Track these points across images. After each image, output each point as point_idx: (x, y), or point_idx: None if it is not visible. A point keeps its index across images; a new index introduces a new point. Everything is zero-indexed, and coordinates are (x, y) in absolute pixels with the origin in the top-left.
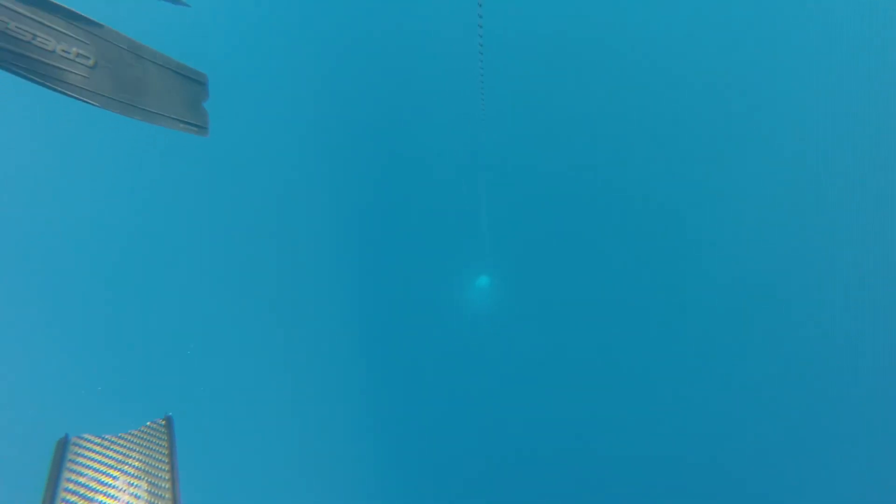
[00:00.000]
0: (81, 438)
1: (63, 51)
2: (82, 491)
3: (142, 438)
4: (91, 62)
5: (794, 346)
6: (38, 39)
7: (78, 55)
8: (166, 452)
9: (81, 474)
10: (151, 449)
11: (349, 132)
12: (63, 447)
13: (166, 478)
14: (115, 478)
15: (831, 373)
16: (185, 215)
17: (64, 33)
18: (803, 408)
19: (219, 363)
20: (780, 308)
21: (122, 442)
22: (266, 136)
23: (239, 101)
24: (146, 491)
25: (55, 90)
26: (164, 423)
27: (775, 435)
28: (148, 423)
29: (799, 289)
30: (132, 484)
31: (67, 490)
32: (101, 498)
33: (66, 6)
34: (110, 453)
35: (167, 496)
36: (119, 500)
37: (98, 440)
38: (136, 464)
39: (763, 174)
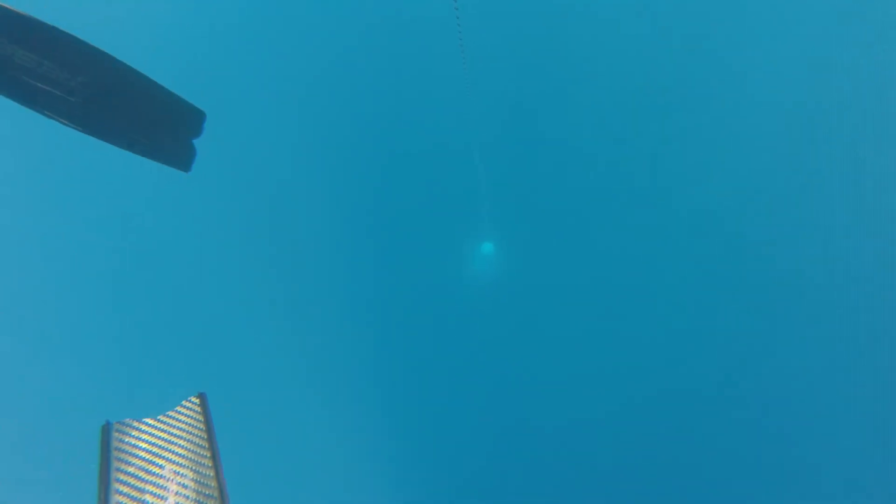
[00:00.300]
0: (122, 424)
1: (65, 80)
2: (132, 481)
3: (180, 420)
4: (87, 92)
5: (792, 340)
6: (43, 68)
7: (79, 84)
8: (205, 437)
9: (129, 463)
10: (191, 432)
11: (344, 106)
12: (107, 434)
13: (209, 465)
14: (161, 466)
15: (831, 372)
16: (189, 212)
17: (68, 63)
18: (803, 406)
19: (218, 339)
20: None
21: (161, 426)
22: (259, 110)
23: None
24: (192, 480)
25: (51, 118)
26: (198, 401)
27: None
28: (183, 403)
29: (799, 283)
30: (178, 473)
31: (118, 481)
32: (150, 488)
33: (72, 36)
34: (153, 439)
35: (213, 484)
36: (167, 489)
37: (138, 424)
38: (180, 450)
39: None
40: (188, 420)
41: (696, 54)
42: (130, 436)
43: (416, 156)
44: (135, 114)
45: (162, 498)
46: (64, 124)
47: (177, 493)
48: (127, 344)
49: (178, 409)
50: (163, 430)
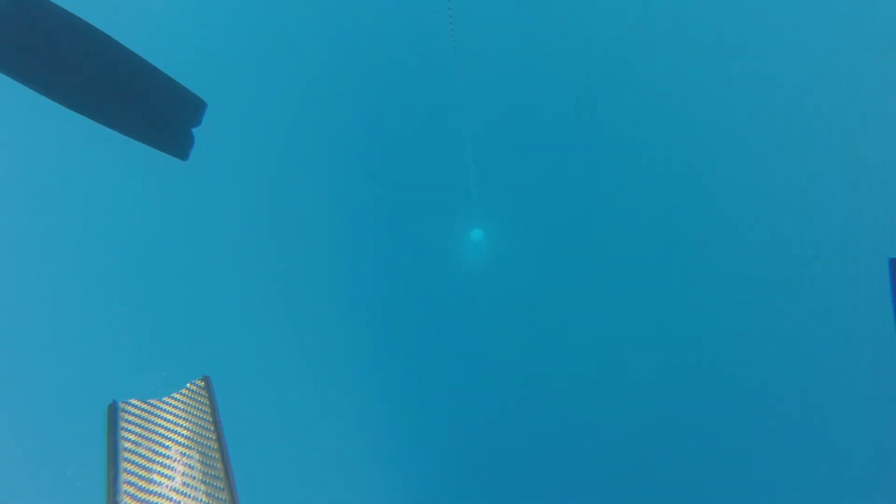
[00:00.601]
0: (128, 404)
1: (71, 62)
2: (140, 461)
3: (184, 402)
4: (91, 75)
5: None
6: (51, 49)
7: (84, 66)
8: (210, 419)
9: (137, 444)
10: (196, 414)
11: (335, 95)
12: (114, 414)
13: (214, 446)
14: (167, 447)
15: (833, 372)
16: (188, 212)
17: (75, 45)
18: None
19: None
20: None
21: (167, 407)
22: (250, 99)
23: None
24: (198, 461)
25: (55, 100)
26: (202, 384)
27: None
28: (188, 385)
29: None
30: (184, 454)
31: (126, 460)
32: (157, 468)
33: (79, 18)
34: (159, 420)
35: (218, 465)
36: (175, 469)
37: (144, 405)
38: (185, 431)
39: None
40: (193, 402)
41: (692, 47)
42: (137, 416)
43: (407, 144)
44: (136, 99)
45: (170, 478)
46: (66, 107)
47: (184, 474)
48: (133, 329)
49: (183, 391)
50: (168, 412)
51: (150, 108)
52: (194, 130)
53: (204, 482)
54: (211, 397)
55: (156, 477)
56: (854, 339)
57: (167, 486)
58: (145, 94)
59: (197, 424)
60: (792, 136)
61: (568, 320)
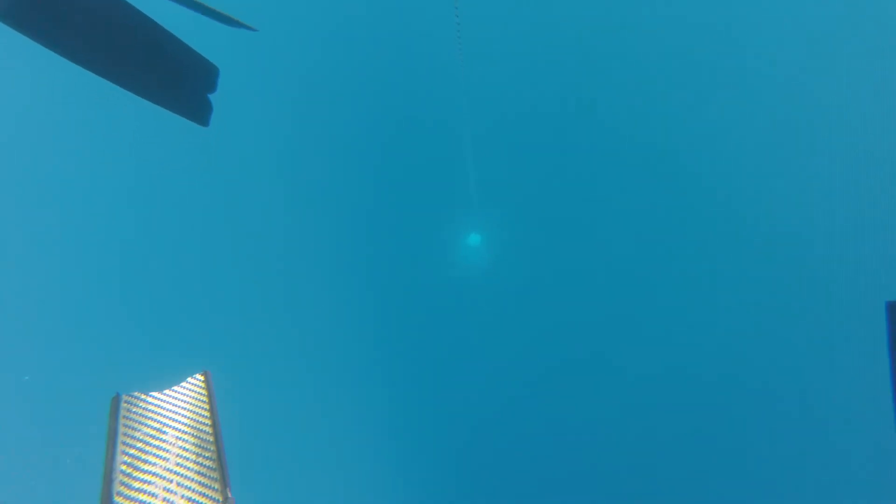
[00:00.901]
0: (132, 396)
1: (90, 24)
2: (138, 444)
3: (185, 394)
4: (110, 37)
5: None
6: (72, 12)
7: (103, 29)
8: (207, 409)
9: (135, 429)
10: (195, 405)
11: (331, 96)
12: (117, 405)
13: (209, 432)
14: (164, 432)
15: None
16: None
17: (93, 7)
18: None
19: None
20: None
21: (166, 398)
22: (245, 100)
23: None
24: (193, 444)
25: (74, 62)
26: (202, 378)
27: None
28: (188, 380)
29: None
30: (181, 438)
31: (125, 444)
32: (153, 451)
33: None
34: (158, 409)
35: (212, 448)
36: (170, 451)
37: (146, 397)
38: (183, 419)
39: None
40: (192, 394)
41: (694, 48)
42: (138, 406)
43: (405, 144)
44: (153, 62)
45: (164, 458)
46: (84, 68)
47: (178, 455)
48: (136, 325)
49: (184, 384)
50: (168, 402)
51: (164, 69)
52: (210, 97)
53: (197, 462)
54: (210, 390)
55: (151, 458)
56: (854, 339)
57: (161, 465)
58: (159, 55)
59: (195, 413)
60: (794, 135)
61: (567, 324)
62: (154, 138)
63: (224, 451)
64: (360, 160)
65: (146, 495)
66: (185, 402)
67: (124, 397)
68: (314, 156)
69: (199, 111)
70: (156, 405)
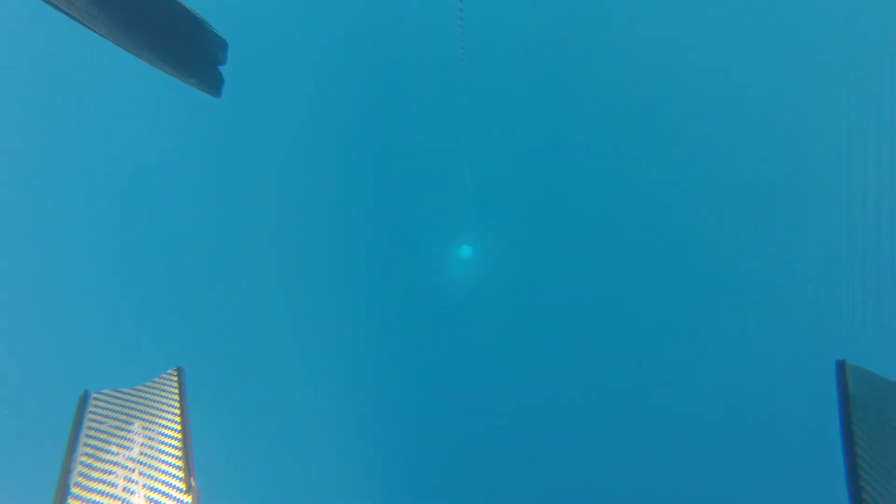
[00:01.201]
0: (101, 393)
1: None
2: (102, 436)
3: (156, 389)
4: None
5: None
6: None
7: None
8: (177, 400)
9: (101, 422)
10: (166, 399)
11: (334, 97)
12: (84, 401)
13: (178, 423)
14: (131, 423)
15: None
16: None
17: None
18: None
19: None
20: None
21: (138, 393)
22: (250, 98)
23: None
24: (159, 434)
25: (83, 25)
26: (175, 373)
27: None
28: (162, 375)
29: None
30: (147, 429)
31: (89, 436)
32: (116, 441)
33: None
34: (129, 403)
35: (179, 438)
36: (133, 441)
37: (116, 394)
38: (152, 412)
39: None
40: (164, 389)
41: (696, 52)
42: (106, 401)
43: (403, 147)
44: (164, 29)
45: (128, 448)
46: (94, 31)
47: (142, 444)
48: (112, 322)
49: (156, 380)
50: (138, 396)
51: (176, 38)
52: (221, 69)
53: (162, 451)
54: (181, 384)
55: (114, 448)
56: (855, 342)
57: (123, 455)
58: (170, 23)
59: (164, 405)
60: (797, 142)
61: (561, 337)
62: (144, 135)
63: (191, 442)
64: (357, 163)
65: (105, 485)
66: (155, 396)
67: (93, 394)
68: (310, 158)
69: (211, 82)
70: (124, 399)
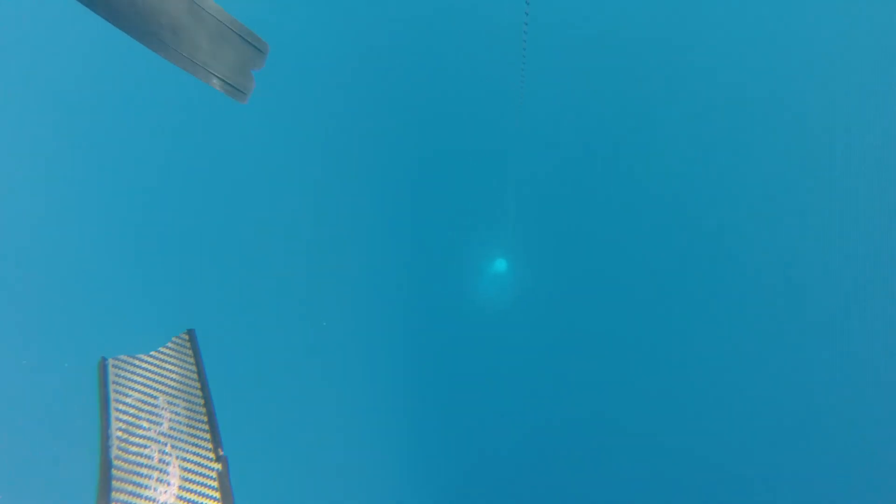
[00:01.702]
0: (118, 360)
1: None
2: (131, 410)
3: (171, 355)
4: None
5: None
6: None
7: None
8: (195, 369)
9: (127, 395)
10: (181, 366)
11: (376, 112)
12: (104, 370)
13: (199, 394)
14: (155, 397)
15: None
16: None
17: None
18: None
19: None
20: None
21: (153, 360)
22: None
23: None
24: (184, 409)
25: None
26: (187, 337)
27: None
28: (173, 339)
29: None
30: (171, 403)
31: (118, 410)
32: (145, 416)
33: None
34: (146, 373)
35: (202, 410)
36: (162, 416)
37: (132, 360)
38: (172, 382)
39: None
40: (178, 354)
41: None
42: (126, 370)
43: (443, 163)
44: (198, 31)
45: (157, 423)
46: (122, 29)
47: (170, 420)
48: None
49: (169, 344)
50: (155, 364)
51: (208, 41)
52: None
53: (189, 425)
54: (195, 349)
55: (144, 423)
56: (854, 347)
57: (155, 430)
58: (206, 27)
59: (183, 375)
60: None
61: (596, 367)
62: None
63: (214, 412)
64: (396, 172)
65: (143, 458)
66: (171, 363)
67: (111, 361)
68: (347, 166)
69: (239, 86)
70: (143, 368)
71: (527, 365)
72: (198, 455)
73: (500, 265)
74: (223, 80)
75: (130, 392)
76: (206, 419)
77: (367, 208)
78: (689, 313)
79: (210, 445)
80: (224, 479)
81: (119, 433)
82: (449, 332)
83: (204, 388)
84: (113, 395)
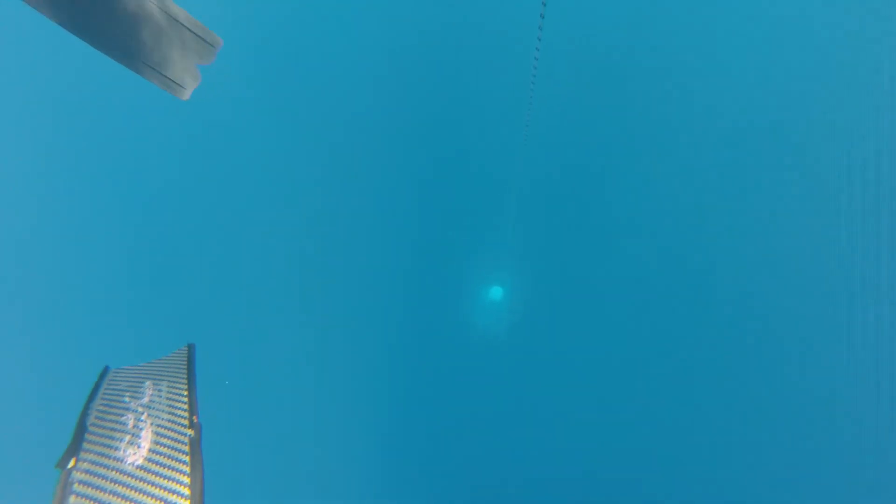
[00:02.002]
0: (120, 369)
1: None
2: (118, 391)
3: (168, 360)
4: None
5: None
6: None
7: None
8: (185, 365)
9: (118, 384)
10: (176, 366)
11: (385, 128)
12: (104, 373)
13: (184, 380)
14: (143, 383)
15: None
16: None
17: None
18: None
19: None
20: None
21: (151, 367)
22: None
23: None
24: (167, 386)
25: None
26: (186, 349)
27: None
28: (175, 351)
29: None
30: (157, 385)
31: (106, 392)
32: (129, 394)
33: None
34: (142, 371)
35: (184, 391)
36: (144, 392)
37: (133, 367)
38: (163, 375)
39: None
40: (174, 360)
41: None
42: (123, 372)
43: (448, 185)
44: (151, 32)
45: (138, 398)
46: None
47: (152, 395)
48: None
49: (171, 354)
50: (151, 369)
51: (145, 35)
52: (202, 69)
53: (169, 398)
54: (191, 355)
55: (126, 398)
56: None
57: (136, 403)
58: (142, 20)
59: (173, 370)
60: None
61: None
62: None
63: (195, 385)
64: (399, 190)
65: (118, 425)
66: (166, 365)
67: (113, 370)
68: (350, 184)
69: (181, 81)
70: (139, 368)
71: (519, 392)
72: (173, 422)
73: (496, 292)
74: (159, 73)
75: (121, 382)
76: (186, 392)
77: (364, 229)
78: (681, 344)
79: (186, 414)
80: (195, 445)
81: (101, 407)
82: (444, 359)
83: (190, 374)
84: (104, 385)
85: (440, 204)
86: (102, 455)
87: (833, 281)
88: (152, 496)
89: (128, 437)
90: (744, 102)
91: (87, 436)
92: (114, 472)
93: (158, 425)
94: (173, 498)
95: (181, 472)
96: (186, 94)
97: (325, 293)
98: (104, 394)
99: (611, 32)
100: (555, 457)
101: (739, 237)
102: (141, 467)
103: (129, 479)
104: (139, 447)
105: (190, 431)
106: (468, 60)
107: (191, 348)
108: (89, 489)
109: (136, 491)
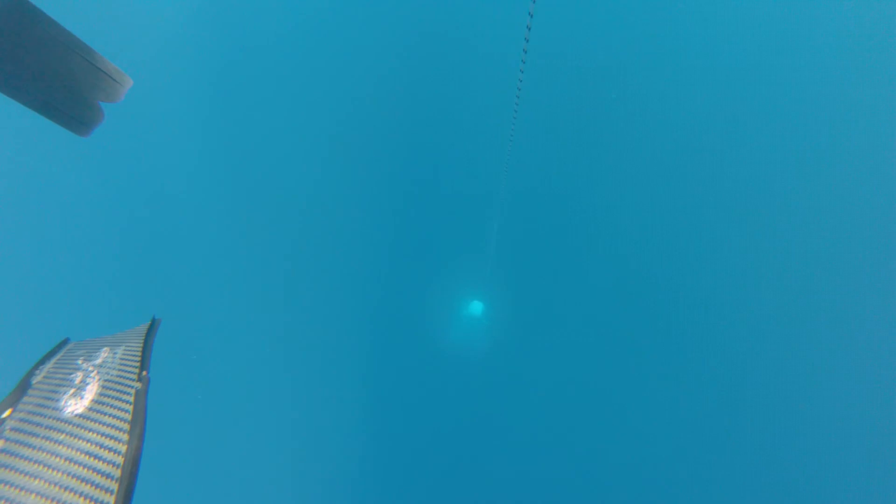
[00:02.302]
0: (81, 342)
1: None
2: (71, 354)
3: (132, 332)
4: None
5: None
6: None
7: None
8: (146, 333)
9: (74, 351)
10: (137, 336)
11: (366, 137)
12: (62, 344)
13: (140, 343)
14: (100, 349)
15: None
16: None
17: None
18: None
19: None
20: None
21: (112, 337)
22: (293, 139)
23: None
24: (123, 350)
25: None
26: (151, 322)
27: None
28: (139, 325)
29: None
30: (113, 349)
31: (59, 362)
32: (83, 354)
33: None
34: (101, 343)
35: (139, 353)
36: (98, 355)
37: (94, 339)
38: (121, 347)
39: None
40: (136, 330)
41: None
42: (82, 345)
43: (430, 191)
44: (54, 69)
45: (92, 360)
46: None
47: (105, 357)
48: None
49: (135, 328)
50: (112, 336)
51: (62, 77)
52: (107, 106)
53: (122, 359)
54: (154, 326)
55: (79, 360)
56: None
57: (88, 364)
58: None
59: (133, 338)
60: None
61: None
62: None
63: (152, 344)
64: (380, 203)
65: (66, 382)
66: (128, 334)
67: (72, 343)
68: (332, 198)
69: (82, 118)
70: (100, 339)
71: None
72: (122, 377)
73: (476, 307)
74: (58, 110)
75: (77, 349)
76: (139, 355)
77: (343, 239)
78: (664, 362)
79: (136, 369)
80: (140, 397)
81: (51, 369)
82: (422, 372)
83: (149, 339)
84: (63, 350)
85: (421, 216)
86: (41, 406)
87: (833, 280)
88: (89, 441)
89: (72, 391)
90: (733, 112)
91: (29, 391)
92: (50, 420)
93: (106, 380)
94: (110, 443)
95: (122, 419)
96: (87, 132)
97: (304, 302)
98: (58, 360)
99: (599, 40)
100: (534, 469)
101: (729, 255)
102: (80, 415)
103: (66, 425)
104: (82, 398)
105: (138, 384)
106: (447, 71)
107: (155, 321)
108: (21, 435)
109: (71, 436)
